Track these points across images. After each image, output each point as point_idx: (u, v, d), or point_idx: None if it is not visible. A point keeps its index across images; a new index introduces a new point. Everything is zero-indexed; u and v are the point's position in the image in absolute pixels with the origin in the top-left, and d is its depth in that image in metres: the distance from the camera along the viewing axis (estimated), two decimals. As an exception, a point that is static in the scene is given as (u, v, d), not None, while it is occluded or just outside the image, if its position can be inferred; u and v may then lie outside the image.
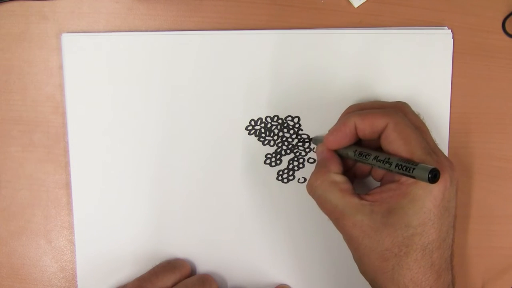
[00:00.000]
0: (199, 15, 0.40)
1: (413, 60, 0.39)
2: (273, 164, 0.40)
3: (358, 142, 0.36)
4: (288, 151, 0.40)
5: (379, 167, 0.32)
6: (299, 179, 0.40)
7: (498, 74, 0.40)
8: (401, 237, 0.31)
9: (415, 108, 0.39)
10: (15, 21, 0.39)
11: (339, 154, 0.36)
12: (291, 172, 0.40)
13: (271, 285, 0.40)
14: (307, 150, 0.40)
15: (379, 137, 0.34)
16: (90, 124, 0.39)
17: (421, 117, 0.35)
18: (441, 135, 0.40)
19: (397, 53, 0.39)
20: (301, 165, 0.40)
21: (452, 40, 0.39)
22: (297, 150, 0.40)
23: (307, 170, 0.40)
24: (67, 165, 0.40)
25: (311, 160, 0.40)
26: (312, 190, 0.35)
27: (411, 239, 0.31)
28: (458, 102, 0.40)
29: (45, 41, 0.39)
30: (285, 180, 0.40)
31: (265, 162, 0.40)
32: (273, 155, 0.40)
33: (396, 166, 0.31)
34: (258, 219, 0.40)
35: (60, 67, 0.39)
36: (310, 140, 0.39)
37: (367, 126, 0.33)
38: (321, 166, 0.35)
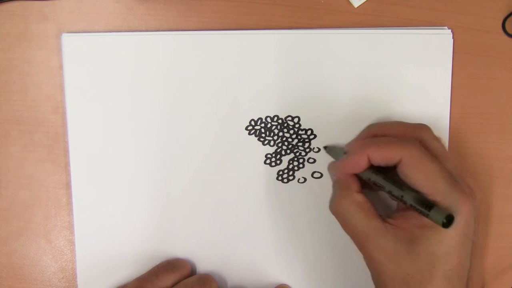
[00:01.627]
0: (199, 15, 0.40)
1: (413, 60, 0.39)
2: (273, 164, 0.40)
3: None
4: (288, 151, 0.40)
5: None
6: (299, 179, 0.40)
7: (498, 74, 0.40)
8: (425, 264, 0.31)
9: (415, 107, 0.39)
10: (15, 21, 0.39)
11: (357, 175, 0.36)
12: (291, 172, 0.40)
13: (271, 285, 0.40)
14: (307, 150, 0.40)
15: (395, 164, 0.33)
16: (90, 124, 0.39)
17: (442, 141, 0.35)
18: (441, 135, 0.40)
19: (397, 53, 0.39)
20: (301, 165, 0.40)
21: (452, 40, 0.39)
22: (297, 150, 0.40)
23: (307, 170, 0.40)
24: (67, 165, 0.40)
25: (311, 160, 0.40)
26: (337, 212, 0.35)
27: (435, 266, 0.31)
28: (458, 102, 0.40)
29: (45, 41, 0.39)
30: (285, 180, 0.40)
31: (265, 162, 0.40)
32: (273, 155, 0.40)
33: (411, 205, 0.31)
34: (258, 219, 0.40)
35: (60, 67, 0.39)
36: (324, 148, 0.39)
37: (380, 159, 0.33)
38: (342, 186, 0.35)
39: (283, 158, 0.40)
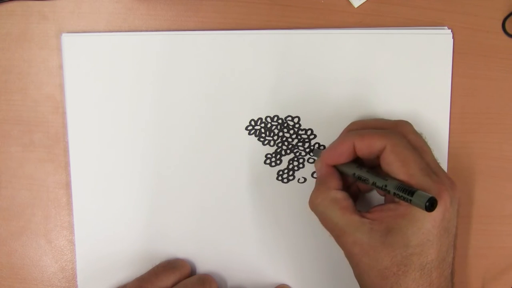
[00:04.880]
0: (199, 15, 0.40)
1: (413, 60, 0.39)
2: (273, 164, 0.40)
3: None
4: (288, 151, 0.40)
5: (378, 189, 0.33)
6: (299, 179, 0.40)
7: (498, 74, 0.40)
8: (400, 256, 0.31)
9: (415, 107, 0.39)
10: (15, 21, 0.39)
11: (339, 170, 0.36)
12: (291, 172, 0.40)
13: (271, 285, 0.40)
14: (307, 150, 0.40)
15: (377, 156, 0.34)
16: (90, 124, 0.39)
17: (423, 136, 0.35)
18: (441, 135, 0.40)
19: (397, 53, 0.39)
20: (301, 165, 0.40)
21: (452, 40, 0.39)
22: (297, 150, 0.40)
23: (307, 170, 0.40)
24: (67, 165, 0.40)
25: (311, 160, 0.40)
26: (313, 207, 0.35)
27: (409, 258, 0.31)
28: (458, 102, 0.40)
29: (45, 41, 0.39)
30: (285, 180, 0.40)
31: (265, 162, 0.40)
32: (273, 155, 0.40)
33: (394, 193, 0.31)
34: (258, 219, 0.40)
35: (60, 67, 0.39)
36: (311, 151, 0.40)
37: (365, 146, 0.33)
38: (321, 183, 0.36)
39: (283, 158, 0.40)
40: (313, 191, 0.35)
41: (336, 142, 0.35)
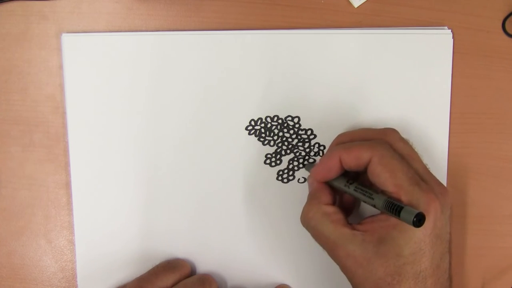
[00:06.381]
0: (199, 15, 0.40)
1: (413, 60, 0.39)
2: (273, 164, 0.40)
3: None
4: (288, 151, 0.40)
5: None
6: (299, 179, 0.40)
7: (498, 74, 0.40)
8: (393, 266, 0.31)
9: (415, 108, 0.39)
10: (15, 21, 0.39)
11: (331, 185, 0.36)
12: (291, 172, 0.40)
13: (271, 285, 0.40)
14: (307, 150, 0.40)
15: (365, 168, 0.34)
16: (90, 124, 0.39)
17: (410, 143, 0.35)
18: (441, 135, 0.40)
19: (397, 53, 0.39)
20: (301, 165, 0.40)
21: (452, 40, 0.39)
22: (297, 150, 0.40)
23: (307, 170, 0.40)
24: (67, 165, 0.40)
25: (311, 160, 0.40)
26: (305, 222, 0.35)
27: (402, 268, 0.31)
28: (458, 102, 0.40)
29: (45, 41, 0.39)
30: (285, 180, 0.40)
31: (265, 162, 0.40)
32: (273, 155, 0.40)
33: (384, 208, 0.31)
34: (258, 219, 0.40)
35: (60, 67, 0.39)
36: (303, 166, 0.40)
37: (352, 160, 0.33)
38: (312, 198, 0.36)
39: (283, 158, 0.40)
40: (304, 206, 0.35)
41: (324, 158, 0.35)
